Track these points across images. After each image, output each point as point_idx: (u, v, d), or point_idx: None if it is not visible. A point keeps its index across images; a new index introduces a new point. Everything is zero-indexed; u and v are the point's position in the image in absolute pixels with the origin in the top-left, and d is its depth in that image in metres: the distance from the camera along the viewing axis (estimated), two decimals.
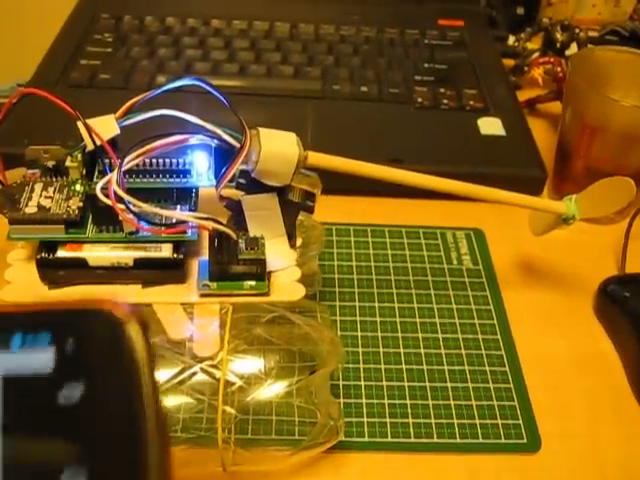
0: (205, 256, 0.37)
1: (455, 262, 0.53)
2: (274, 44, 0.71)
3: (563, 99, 0.59)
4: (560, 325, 0.50)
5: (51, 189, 0.37)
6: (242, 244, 0.36)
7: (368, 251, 0.53)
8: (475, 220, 0.57)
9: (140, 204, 0.32)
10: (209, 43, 0.71)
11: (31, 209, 0.36)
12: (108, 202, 0.33)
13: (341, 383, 0.44)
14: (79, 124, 0.36)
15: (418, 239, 0.55)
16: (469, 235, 0.56)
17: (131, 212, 0.33)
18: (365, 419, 0.43)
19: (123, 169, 0.33)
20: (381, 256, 0.53)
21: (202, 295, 0.36)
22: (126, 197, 0.32)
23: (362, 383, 0.45)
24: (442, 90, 0.66)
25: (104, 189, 0.33)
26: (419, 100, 0.65)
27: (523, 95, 0.71)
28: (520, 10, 0.82)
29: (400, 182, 0.40)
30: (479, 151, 0.60)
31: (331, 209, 0.52)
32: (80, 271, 0.36)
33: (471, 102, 0.65)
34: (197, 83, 0.36)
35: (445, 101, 0.65)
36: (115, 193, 0.32)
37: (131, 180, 0.37)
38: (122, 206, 0.33)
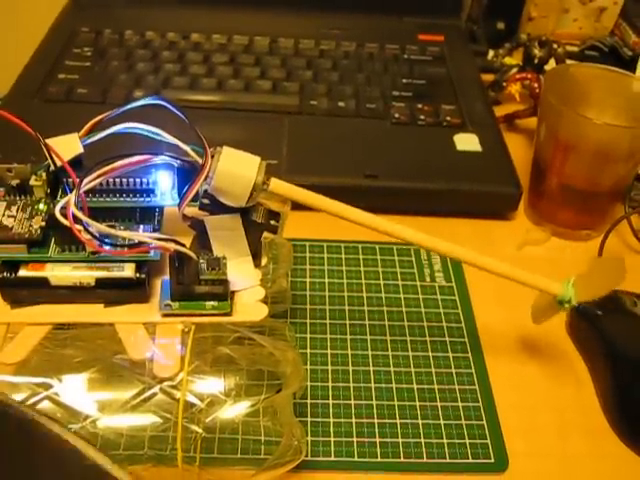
0: (168, 275, 0.37)
1: (428, 279, 0.53)
2: (253, 59, 0.71)
3: (537, 116, 0.60)
4: (532, 343, 0.50)
5: (14, 208, 0.37)
6: (203, 264, 0.36)
7: (341, 268, 0.53)
8: (449, 236, 0.57)
9: (97, 225, 0.32)
10: (188, 57, 0.71)
11: None
12: (66, 223, 0.33)
13: (309, 402, 0.44)
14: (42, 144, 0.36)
15: (392, 256, 0.55)
16: None
17: (89, 233, 0.33)
18: (332, 438, 0.43)
19: (82, 190, 0.33)
20: (354, 273, 0.53)
21: (164, 315, 0.36)
22: (84, 218, 0.32)
23: (330, 402, 0.44)
24: (420, 106, 0.66)
25: (63, 209, 0.33)
26: (396, 116, 0.65)
27: (502, 110, 0.71)
28: (501, 25, 0.83)
29: (362, 224, 0.40)
30: (454, 167, 0.60)
31: (304, 225, 0.53)
32: (42, 290, 0.36)
33: (448, 118, 0.65)
34: (158, 102, 0.36)
35: (422, 117, 0.65)
36: (73, 214, 0.32)
37: (94, 199, 0.37)
38: (80, 227, 0.33)
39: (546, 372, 0.48)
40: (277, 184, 0.36)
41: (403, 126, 0.64)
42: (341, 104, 0.66)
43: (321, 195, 0.38)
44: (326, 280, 0.52)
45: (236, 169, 0.35)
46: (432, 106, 0.67)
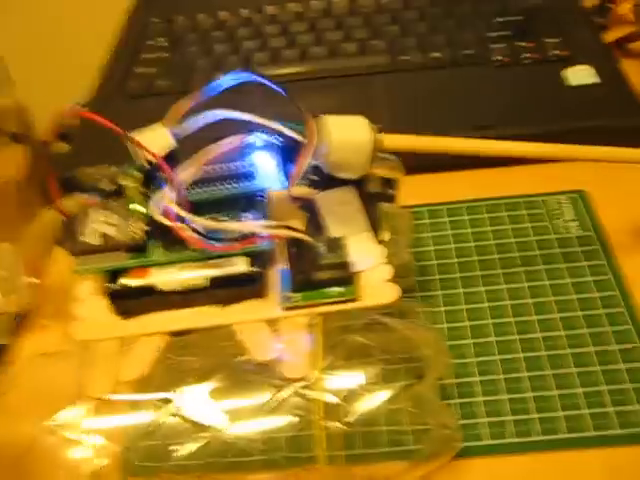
0: (284, 265, 0.33)
1: (563, 231, 0.48)
2: (333, 22, 0.67)
3: None
4: None
5: (111, 213, 0.34)
6: (322, 248, 0.32)
7: (466, 230, 0.49)
8: (576, 182, 0.52)
9: (201, 221, 0.29)
10: (265, 31, 0.67)
11: (93, 238, 0.33)
12: (168, 223, 0.30)
13: (454, 381, 0.40)
14: (128, 142, 0.33)
15: (519, 210, 0.50)
16: (574, 199, 0.50)
17: (194, 230, 0.30)
18: (485, 419, 0.38)
19: (179, 185, 0.30)
20: (481, 234, 0.48)
21: (286, 308, 0.33)
22: (186, 215, 0.29)
23: (477, 379, 0.40)
24: (521, 44, 0.61)
25: (162, 208, 0.30)
26: (498, 58, 0.59)
27: (610, 36, 0.65)
28: None
29: (487, 153, 0.35)
30: (572, 104, 0.54)
31: (418, 190, 0.48)
32: (153, 297, 0.33)
33: (555, 52, 0.59)
34: (250, 77, 0.32)
35: (527, 55, 0.59)
36: (173, 212, 0.29)
37: (193, 192, 0.34)
38: (182, 225, 0.29)
39: None
40: (392, 139, 0.32)
41: (507, 68, 0.59)
42: (435, 55, 0.61)
43: (439, 137, 0.34)
44: (452, 246, 0.48)
45: (349, 135, 0.31)
46: (535, 42, 0.61)
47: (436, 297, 0.44)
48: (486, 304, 0.44)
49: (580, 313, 0.43)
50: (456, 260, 0.47)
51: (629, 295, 0.44)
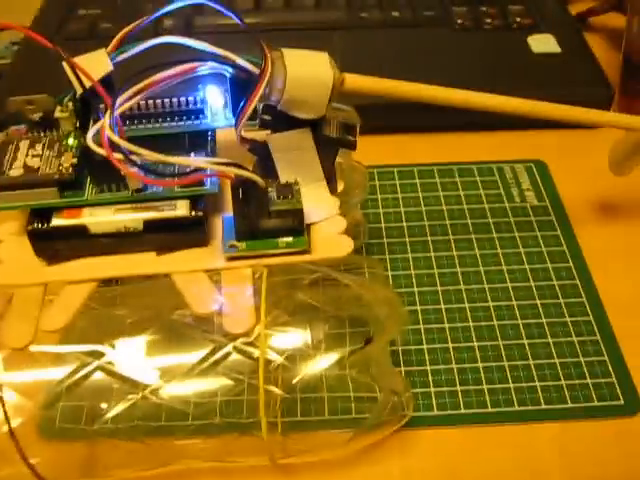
0: (229, 212, 0.30)
1: (517, 199, 0.46)
2: None
3: (628, 6, 0.52)
4: None
5: (39, 146, 0.31)
6: (273, 193, 0.29)
7: (417, 194, 0.47)
8: (534, 151, 0.50)
9: (141, 151, 0.26)
10: None
11: (16, 171, 0.30)
12: (102, 152, 0.26)
13: (400, 348, 0.38)
14: (65, 64, 0.29)
15: (472, 177, 0.48)
16: (530, 168, 0.49)
17: (132, 163, 0.27)
18: (432, 389, 0.36)
19: (117, 110, 0.27)
20: (432, 199, 0.46)
21: (229, 258, 0.30)
22: (123, 144, 0.26)
23: (424, 347, 0.38)
24: (483, 8, 0.59)
25: (97, 136, 0.27)
26: (459, 21, 0.57)
27: (572, 9, 0.63)
28: None
29: (450, 102, 0.33)
30: (534, 72, 0.53)
31: (370, 150, 0.46)
32: (82, 241, 0.30)
33: (518, 19, 0.58)
34: (204, 1, 0.29)
35: (488, 20, 0.58)
36: (109, 140, 0.26)
37: (133, 127, 0.31)
38: (120, 156, 0.26)
39: None
40: (354, 79, 0.30)
41: (469, 32, 0.57)
42: (395, 14, 0.58)
43: (404, 81, 0.32)
44: (402, 209, 0.46)
45: (308, 70, 0.28)
46: (498, 8, 0.59)
47: (382, 261, 0.42)
48: (435, 270, 0.42)
49: (532, 284, 0.41)
50: (405, 224, 0.45)
51: (584, 267, 0.42)
